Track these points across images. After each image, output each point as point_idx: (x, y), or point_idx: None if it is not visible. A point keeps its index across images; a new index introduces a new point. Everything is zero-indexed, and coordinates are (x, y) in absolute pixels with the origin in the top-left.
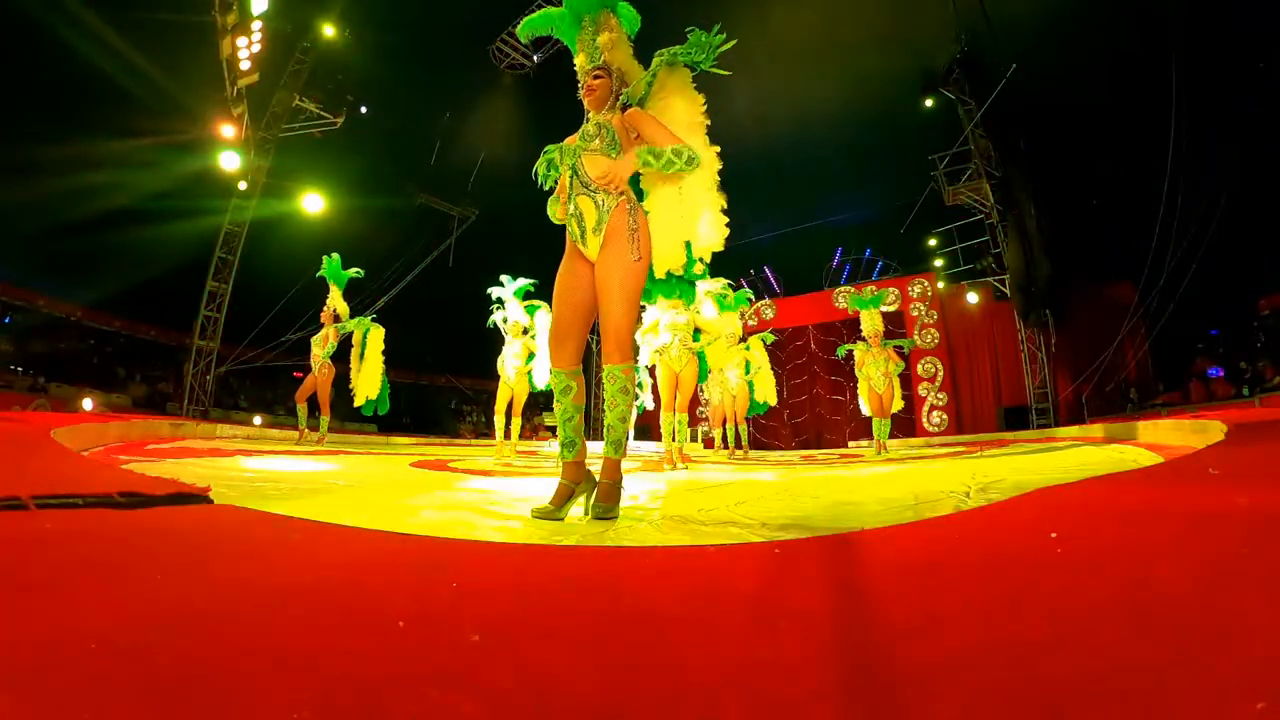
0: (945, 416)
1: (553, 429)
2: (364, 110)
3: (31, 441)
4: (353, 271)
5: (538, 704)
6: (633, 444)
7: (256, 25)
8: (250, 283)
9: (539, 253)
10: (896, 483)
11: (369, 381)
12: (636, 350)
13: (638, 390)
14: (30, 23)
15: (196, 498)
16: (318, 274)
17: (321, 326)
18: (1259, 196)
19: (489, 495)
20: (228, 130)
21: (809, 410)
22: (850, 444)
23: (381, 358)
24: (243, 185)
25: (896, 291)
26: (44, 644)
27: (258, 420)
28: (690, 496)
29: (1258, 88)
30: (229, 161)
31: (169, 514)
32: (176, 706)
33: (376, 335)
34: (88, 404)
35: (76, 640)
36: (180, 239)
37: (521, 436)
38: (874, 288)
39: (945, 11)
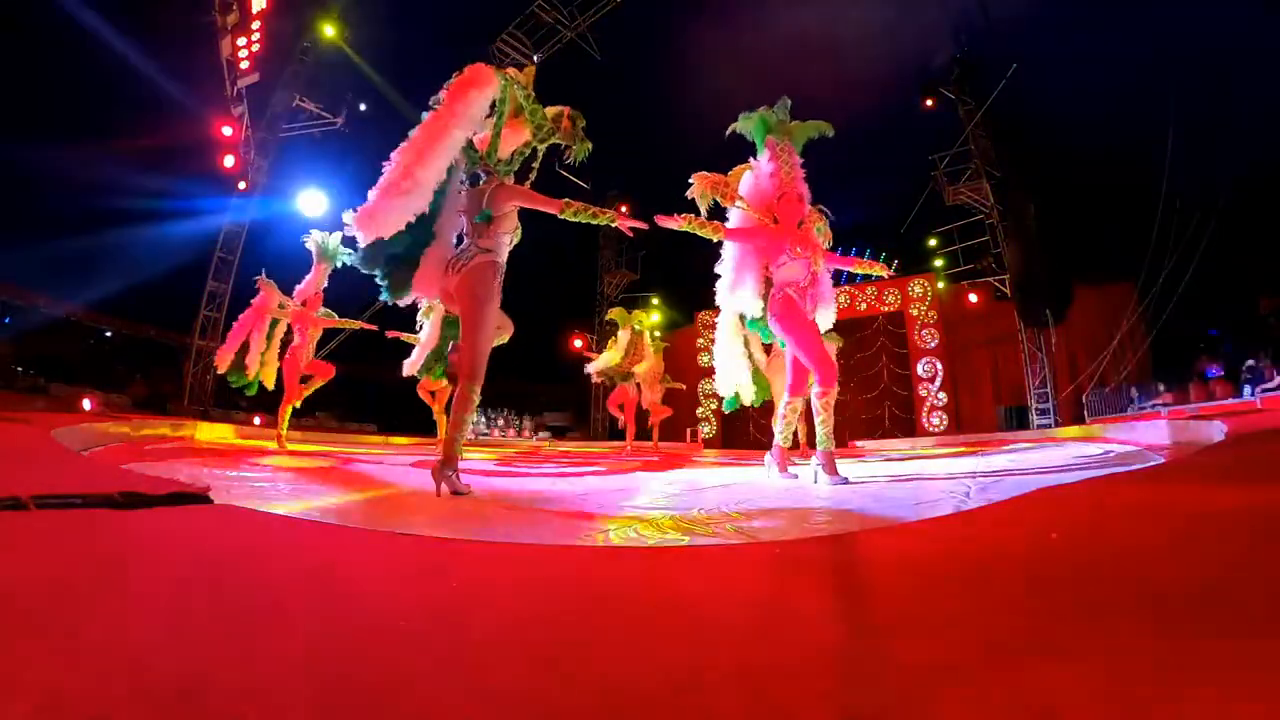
0: (945, 416)
1: (553, 430)
2: (363, 109)
3: (32, 441)
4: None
5: (538, 704)
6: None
7: (256, 25)
8: (250, 283)
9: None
10: (896, 483)
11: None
12: None
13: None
14: (30, 23)
15: (196, 498)
16: (306, 243)
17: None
18: (1260, 195)
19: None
20: (228, 130)
21: (808, 410)
22: (854, 443)
23: None
24: (242, 185)
25: (897, 292)
26: (44, 644)
27: (257, 420)
28: (691, 496)
29: (1259, 85)
30: (229, 161)
31: (169, 514)
32: (176, 707)
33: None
34: (88, 404)
35: (77, 641)
36: (180, 239)
37: (520, 435)
38: (874, 288)
39: (945, 11)
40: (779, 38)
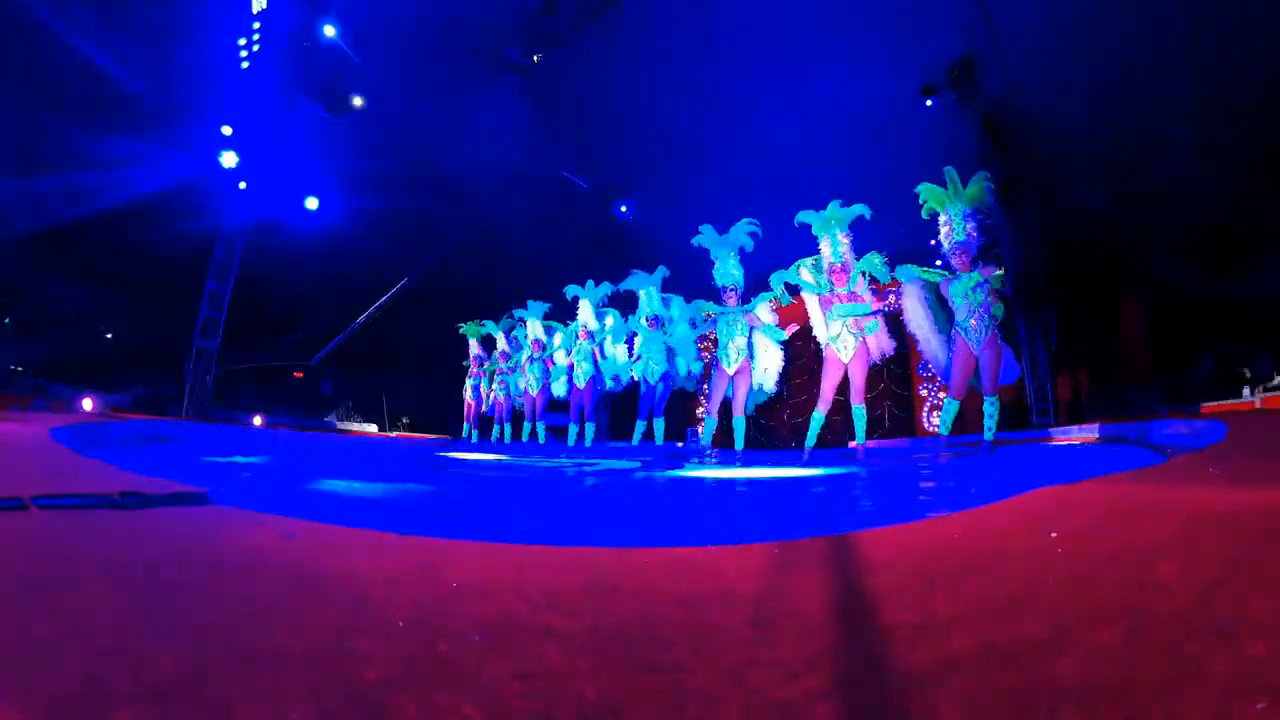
0: None
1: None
2: (361, 107)
3: (32, 441)
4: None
5: (538, 704)
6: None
7: (256, 25)
8: (250, 282)
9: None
10: (896, 482)
11: None
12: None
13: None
14: (29, 21)
15: (196, 498)
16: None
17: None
18: (1261, 193)
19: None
20: (228, 130)
21: (810, 410)
22: (851, 443)
23: None
24: (243, 185)
25: (896, 292)
26: (44, 644)
27: (256, 420)
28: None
29: (1262, 84)
30: (229, 161)
31: (169, 514)
32: (177, 707)
33: None
34: (88, 404)
35: (77, 640)
36: (180, 239)
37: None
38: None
39: (947, 10)
40: (778, 36)
